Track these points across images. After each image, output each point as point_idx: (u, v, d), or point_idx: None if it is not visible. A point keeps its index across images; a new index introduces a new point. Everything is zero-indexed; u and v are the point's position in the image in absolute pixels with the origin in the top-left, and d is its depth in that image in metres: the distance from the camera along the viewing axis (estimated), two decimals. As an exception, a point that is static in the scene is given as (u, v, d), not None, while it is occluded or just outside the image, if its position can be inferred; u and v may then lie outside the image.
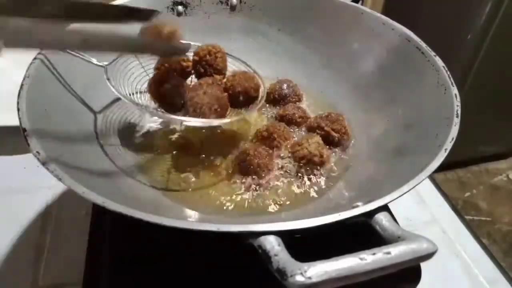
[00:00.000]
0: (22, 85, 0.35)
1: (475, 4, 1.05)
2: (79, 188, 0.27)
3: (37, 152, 0.29)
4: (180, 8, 0.52)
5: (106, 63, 0.41)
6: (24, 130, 0.31)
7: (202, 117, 0.38)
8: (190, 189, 0.40)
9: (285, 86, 0.49)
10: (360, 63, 0.50)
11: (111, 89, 0.38)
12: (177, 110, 0.42)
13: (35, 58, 0.38)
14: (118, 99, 0.45)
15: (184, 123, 0.41)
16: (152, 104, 0.43)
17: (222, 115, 0.41)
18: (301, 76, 0.52)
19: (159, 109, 0.42)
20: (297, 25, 0.53)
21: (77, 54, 0.40)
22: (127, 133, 0.44)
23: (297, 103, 0.49)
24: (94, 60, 0.41)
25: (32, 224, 0.45)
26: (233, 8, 0.53)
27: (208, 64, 0.44)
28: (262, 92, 0.45)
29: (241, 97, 0.43)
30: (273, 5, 0.53)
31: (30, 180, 0.50)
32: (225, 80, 0.45)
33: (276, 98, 0.49)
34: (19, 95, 0.34)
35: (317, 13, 0.53)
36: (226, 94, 0.42)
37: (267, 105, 0.50)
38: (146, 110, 0.41)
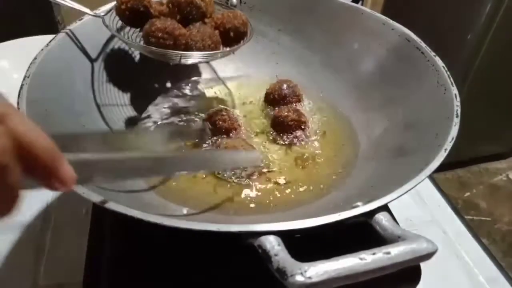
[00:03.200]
0: (22, 85, 0.35)
1: (475, 4, 1.05)
2: (79, 188, 0.27)
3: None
4: (180, 8, 0.52)
5: (102, 13, 0.42)
6: (24, 130, 0.31)
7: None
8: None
9: (285, 86, 0.49)
10: (360, 63, 0.50)
11: (110, 32, 0.41)
12: (176, 47, 0.42)
13: (35, 58, 0.38)
14: (117, 98, 0.45)
15: (183, 60, 0.41)
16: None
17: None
18: (301, 76, 0.52)
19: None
20: (297, 25, 0.54)
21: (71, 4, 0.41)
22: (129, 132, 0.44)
23: (297, 103, 0.49)
24: (89, 11, 0.42)
25: (32, 224, 0.45)
26: (233, 8, 0.53)
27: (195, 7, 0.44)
28: (250, 28, 0.46)
29: (231, 33, 0.44)
30: (273, 6, 0.53)
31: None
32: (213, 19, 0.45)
33: (276, 98, 0.49)
34: (19, 95, 0.34)
35: (317, 13, 0.53)
36: (217, 31, 0.43)
37: (268, 106, 0.50)
38: (144, 49, 0.41)
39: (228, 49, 0.44)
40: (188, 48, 0.41)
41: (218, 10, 0.46)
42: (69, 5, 0.41)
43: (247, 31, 0.45)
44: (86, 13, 0.42)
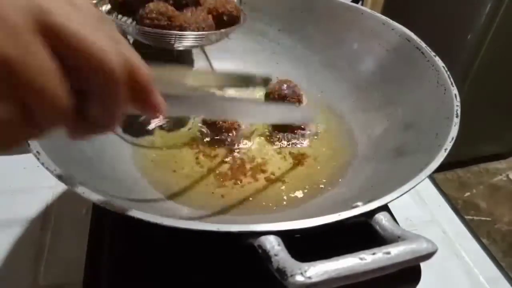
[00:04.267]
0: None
1: (475, 4, 1.05)
2: (79, 188, 0.27)
3: (37, 152, 0.29)
4: (180, 8, 0.52)
5: (94, 1, 0.42)
6: (24, 130, 0.31)
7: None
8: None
9: (285, 86, 0.49)
10: (360, 63, 0.50)
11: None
12: (171, 27, 0.42)
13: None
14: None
15: (177, 43, 0.41)
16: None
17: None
18: (301, 76, 0.52)
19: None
20: (297, 25, 0.54)
21: None
22: (129, 134, 0.45)
23: (297, 103, 0.49)
24: None
25: (32, 224, 0.45)
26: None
27: None
28: (243, 13, 0.46)
29: (224, 17, 0.45)
30: (273, 6, 0.54)
31: (30, 180, 0.50)
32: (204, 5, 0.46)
33: (276, 99, 0.49)
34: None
35: (317, 13, 0.53)
36: (210, 15, 0.44)
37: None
38: (139, 30, 0.40)
39: (223, 30, 0.44)
40: (182, 31, 0.41)
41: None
42: None
43: (239, 16, 0.46)
44: None
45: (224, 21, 0.44)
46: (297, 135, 0.46)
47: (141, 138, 0.45)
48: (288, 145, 0.46)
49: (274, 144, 0.46)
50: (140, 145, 0.44)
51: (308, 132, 0.47)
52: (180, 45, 0.42)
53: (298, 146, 0.46)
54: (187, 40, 0.41)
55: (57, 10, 0.16)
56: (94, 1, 0.41)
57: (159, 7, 0.40)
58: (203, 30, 0.42)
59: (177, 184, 0.41)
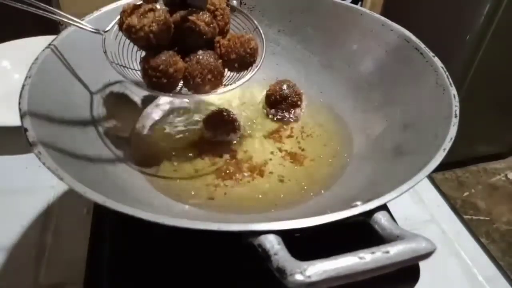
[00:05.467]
0: (23, 85, 0.35)
1: (474, 5, 1.05)
2: (80, 188, 0.27)
3: (39, 152, 0.29)
4: (180, 9, 0.52)
5: (107, 28, 0.39)
6: (26, 130, 0.31)
7: (196, 89, 0.38)
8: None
9: (285, 86, 0.50)
10: (359, 64, 0.50)
11: (108, 62, 0.37)
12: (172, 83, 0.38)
13: (36, 59, 0.38)
14: (121, 98, 0.45)
15: (184, 99, 0.40)
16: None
17: (217, 85, 0.39)
18: (301, 76, 0.53)
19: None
20: (297, 26, 0.54)
21: (71, 21, 0.38)
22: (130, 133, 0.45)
23: (299, 102, 0.50)
24: (89, 27, 0.40)
25: (33, 224, 0.45)
26: (233, 9, 0.54)
27: (199, 34, 0.38)
28: (260, 55, 0.42)
29: (236, 64, 0.40)
30: (273, 7, 0.54)
31: (32, 179, 0.50)
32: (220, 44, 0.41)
33: (277, 99, 0.49)
34: (20, 95, 0.34)
35: (317, 14, 0.53)
36: (221, 61, 0.39)
37: (269, 109, 0.50)
38: (142, 87, 0.38)
39: (228, 88, 0.40)
40: (186, 82, 0.38)
41: (235, 17, 0.44)
42: (68, 21, 0.39)
43: (254, 60, 0.41)
44: (87, 30, 0.40)
45: (236, 67, 0.40)
46: (290, 110, 0.49)
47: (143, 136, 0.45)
48: (281, 118, 0.50)
49: (274, 141, 0.46)
50: (141, 145, 0.44)
51: (308, 130, 0.48)
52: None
53: (297, 144, 0.46)
54: (190, 97, 0.40)
55: None
56: (107, 29, 0.39)
57: (158, 63, 0.35)
58: (209, 82, 0.38)
59: (177, 183, 0.41)
